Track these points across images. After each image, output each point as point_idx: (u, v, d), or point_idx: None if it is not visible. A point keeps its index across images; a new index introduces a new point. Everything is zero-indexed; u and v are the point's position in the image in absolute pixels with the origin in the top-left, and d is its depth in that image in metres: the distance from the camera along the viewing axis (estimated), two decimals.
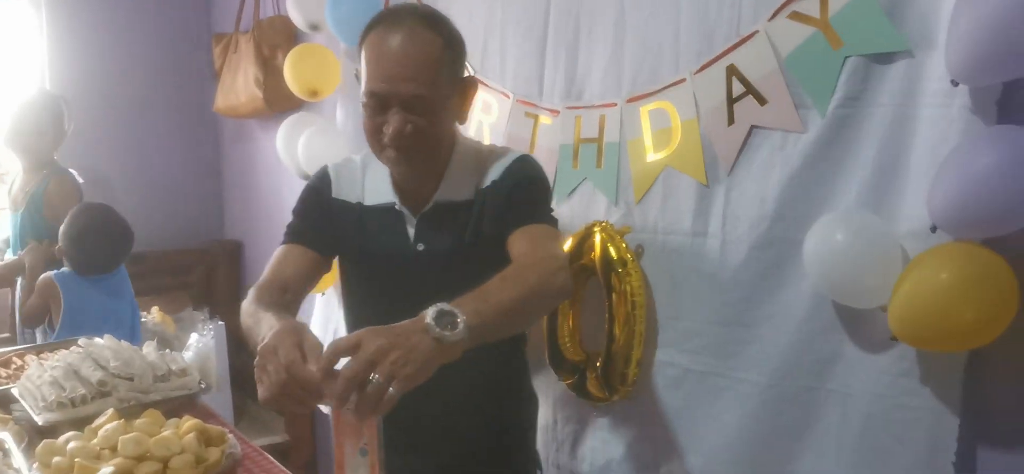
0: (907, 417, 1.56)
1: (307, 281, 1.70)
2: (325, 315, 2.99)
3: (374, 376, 1.20)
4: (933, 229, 1.47)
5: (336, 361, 1.23)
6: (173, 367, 2.19)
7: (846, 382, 1.65)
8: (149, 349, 2.24)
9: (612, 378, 1.98)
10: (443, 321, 1.27)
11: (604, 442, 2.09)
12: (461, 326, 1.27)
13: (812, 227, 1.61)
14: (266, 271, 1.67)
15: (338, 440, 1.32)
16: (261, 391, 1.28)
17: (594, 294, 2.05)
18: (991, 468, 1.54)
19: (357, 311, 1.81)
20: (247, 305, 1.56)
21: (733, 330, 1.82)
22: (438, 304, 1.29)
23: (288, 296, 1.63)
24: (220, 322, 3.70)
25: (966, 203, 1.38)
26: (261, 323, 1.44)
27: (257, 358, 1.29)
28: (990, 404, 1.52)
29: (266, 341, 1.29)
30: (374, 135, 1.60)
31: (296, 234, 1.74)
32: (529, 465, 1.87)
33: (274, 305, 1.52)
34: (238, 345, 4.19)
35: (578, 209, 2.10)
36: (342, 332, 1.83)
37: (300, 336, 1.29)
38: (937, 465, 1.54)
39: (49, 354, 2.24)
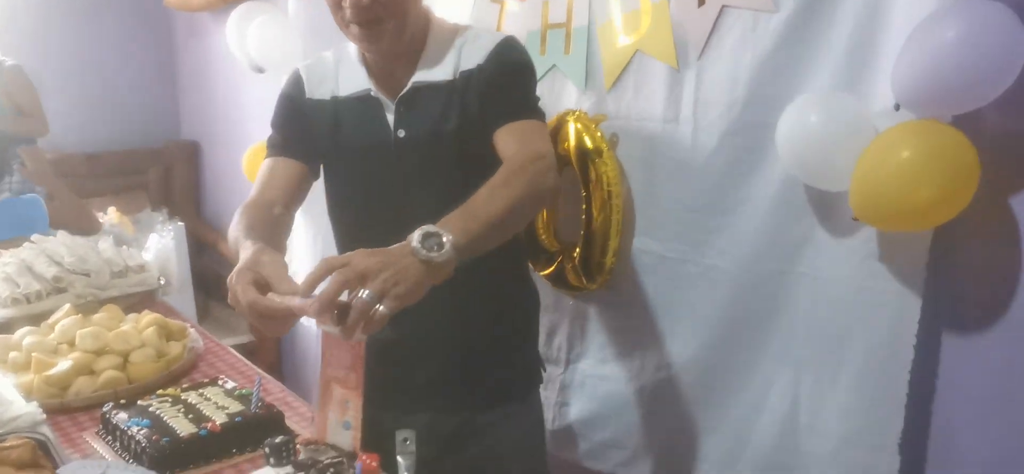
0: (871, 300, 1.57)
1: (297, 192, 1.65)
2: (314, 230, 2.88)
3: (364, 292, 1.18)
4: (896, 107, 1.45)
5: (323, 278, 1.21)
6: (130, 263, 2.15)
7: (815, 265, 1.65)
8: (105, 245, 2.19)
9: (590, 268, 1.97)
10: (429, 243, 1.25)
11: (582, 331, 2.08)
12: (447, 246, 1.26)
13: (785, 109, 1.58)
14: (253, 189, 1.62)
15: (323, 404, 1.31)
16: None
17: (569, 184, 2.03)
18: (952, 350, 1.56)
19: (339, 214, 1.74)
20: (232, 228, 1.52)
21: (706, 217, 1.80)
22: (423, 227, 1.27)
23: (277, 210, 1.57)
24: (180, 223, 3.63)
25: (928, 79, 1.35)
26: (239, 250, 1.41)
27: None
28: (953, 287, 1.54)
29: (230, 282, 1.28)
30: (337, 9, 1.55)
31: (276, 147, 1.67)
32: (530, 367, 1.82)
33: (259, 224, 1.48)
34: (199, 246, 4.13)
35: (547, 98, 2.05)
36: (331, 244, 1.77)
37: (254, 271, 1.27)
38: (898, 346, 1.55)
39: (1, 251, 2.18)
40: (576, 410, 2.11)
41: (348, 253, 1.24)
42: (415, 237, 1.25)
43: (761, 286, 1.74)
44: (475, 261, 1.32)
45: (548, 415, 2.16)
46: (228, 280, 1.29)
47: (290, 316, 1.24)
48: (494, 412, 1.72)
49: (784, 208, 1.68)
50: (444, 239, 1.26)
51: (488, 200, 1.37)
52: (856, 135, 1.48)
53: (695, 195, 1.81)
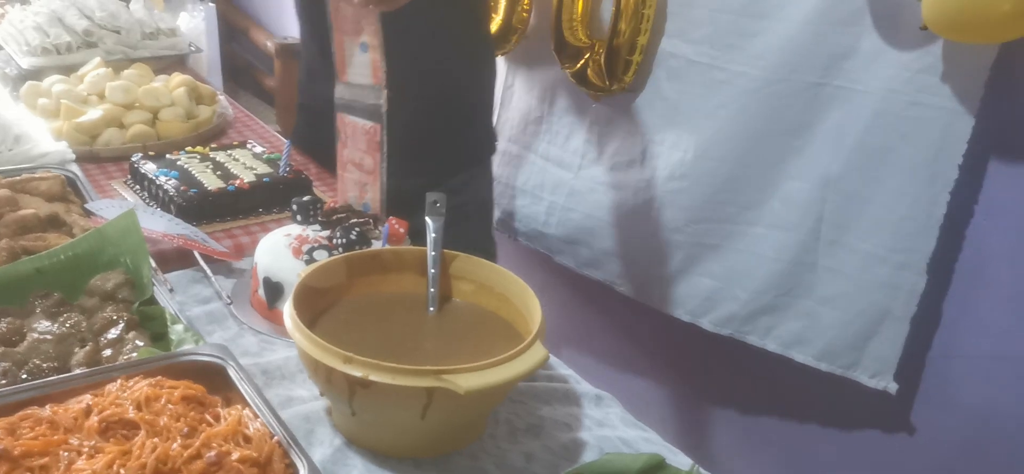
0: (920, 115, 1.51)
1: None
2: None
3: None
4: None
5: None
6: (162, 26, 2.11)
7: (857, 78, 1.57)
8: (137, 6, 2.14)
9: (614, 66, 1.89)
10: None
11: (598, 134, 2.02)
12: None
13: None
14: None
15: (338, 37, 1.30)
16: None
17: None
18: (997, 175, 1.51)
19: None
20: None
21: (743, 19, 1.70)
22: None
23: None
24: (211, 4, 3.54)
25: None
26: None
27: None
28: (1008, 109, 1.46)
29: None
30: None
31: None
32: (490, 132, 1.81)
33: None
34: (230, 32, 4.05)
35: None
36: None
37: None
38: (943, 165, 1.50)
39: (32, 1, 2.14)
40: (580, 217, 2.06)
41: None
42: None
43: (793, 97, 1.66)
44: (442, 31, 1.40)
45: (552, 219, 2.12)
46: None
47: None
48: (461, 174, 1.69)
49: (832, 14, 1.58)
50: None
51: None
52: None
53: None
